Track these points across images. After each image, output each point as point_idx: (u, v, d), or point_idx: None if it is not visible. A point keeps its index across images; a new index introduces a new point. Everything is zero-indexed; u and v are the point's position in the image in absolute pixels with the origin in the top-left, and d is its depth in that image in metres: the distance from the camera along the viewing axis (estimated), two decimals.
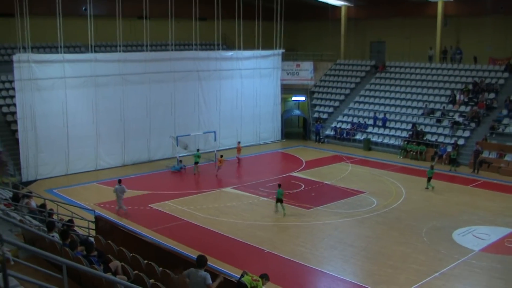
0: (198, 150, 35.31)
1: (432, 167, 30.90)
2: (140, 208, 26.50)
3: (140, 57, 37.45)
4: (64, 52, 34.56)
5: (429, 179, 30.49)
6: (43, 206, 18.90)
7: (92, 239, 15.85)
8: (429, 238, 22.59)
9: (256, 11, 41.78)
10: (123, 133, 36.19)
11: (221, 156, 34.48)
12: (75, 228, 18.77)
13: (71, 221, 18.45)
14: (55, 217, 19.35)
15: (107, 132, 35.45)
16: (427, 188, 30.32)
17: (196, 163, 34.05)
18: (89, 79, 34.42)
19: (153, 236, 22.18)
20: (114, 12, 34.61)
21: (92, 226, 19.22)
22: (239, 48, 42.39)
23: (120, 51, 37.02)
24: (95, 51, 37.03)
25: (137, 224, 23.97)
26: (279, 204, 25.96)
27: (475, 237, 22.82)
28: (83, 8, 38.39)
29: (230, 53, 42.91)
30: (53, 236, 13.39)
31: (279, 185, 26.71)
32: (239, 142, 39.32)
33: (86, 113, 34.46)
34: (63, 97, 33.31)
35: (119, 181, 26.00)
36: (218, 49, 42.79)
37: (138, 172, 34.46)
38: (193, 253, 20.30)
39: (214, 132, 38.80)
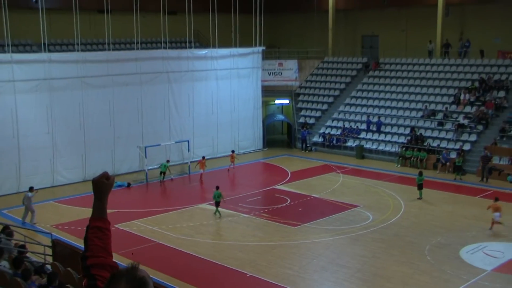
0: (168, 161, 36.06)
1: (421, 174, 31.26)
2: None
3: (101, 57, 37.21)
4: (12, 52, 34.15)
5: (419, 186, 30.78)
6: None
7: (49, 266, 15.59)
8: (433, 256, 22.61)
9: (233, 3, 41.81)
10: (83, 144, 35.86)
11: (233, 152, 39.13)
12: (28, 254, 18.47)
13: (23, 246, 18.16)
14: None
15: (64, 143, 35.09)
16: (420, 198, 30.58)
17: (163, 173, 35.16)
18: (42, 83, 34.07)
19: (121, 261, 21.78)
20: (70, 4, 34.40)
21: (49, 251, 18.94)
22: (213, 46, 42.33)
23: (78, 50, 36.71)
24: (49, 50, 36.65)
25: None
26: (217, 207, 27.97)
27: (486, 255, 22.89)
28: None
29: (203, 52, 42.85)
30: (3, 266, 13.13)
31: (217, 187, 28.45)
32: (233, 151, 40.05)
33: (39, 121, 34.08)
34: (12, 104, 32.88)
35: (31, 189, 26.99)
36: (190, 47, 42.69)
37: None
38: (166, 279, 20.13)
39: (188, 141, 38.67)
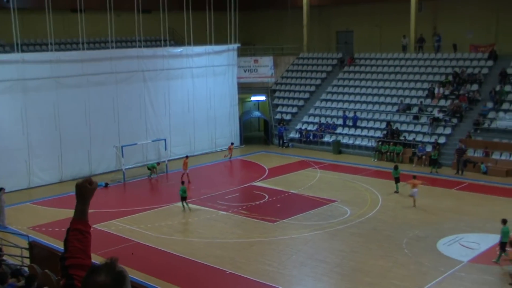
0: (158, 163, 37.33)
1: (396, 167, 31.55)
2: None
3: (75, 57, 36.90)
4: None
5: (397, 180, 31.04)
6: None
7: (26, 269, 15.46)
8: (411, 249, 22.79)
9: (207, 1, 41.69)
10: (59, 145, 35.55)
11: (232, 144, 41.52)
12: (5, 257, 18.30)
13: None
14: None
15: (40, 144, 34.76)
16: (397, 191, 30.83)
17: (152, 168, 36.32)
18: (16, 83, 33.69)
19: (100, 261, 21.77)
20: (42, 4, 34.04)
21: (26, 253, 18.77)
22: (189, 44, 42.22)
23: (51, 50, 36.37)
24: (22, 51, 36.26)
25: None
26: (184, 202, 28.88)
27: (462, 246, 23.12)
28: None
29: (179, 50, 42.77)
30: None
31: (182, 182, 29.79)
32: (232, 143, 42.48)
33: (14, 122, 33.72)
34: None
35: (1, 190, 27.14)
36: (165, 45, 42.51)
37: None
38: (146, 279, 20.06)
39: (164, 140, 38.55)
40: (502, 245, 21.08)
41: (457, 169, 35.26)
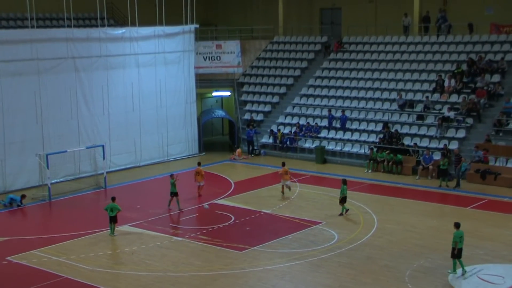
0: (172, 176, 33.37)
1: (344, 182, 31.19)
2: None
3: None
4: None
5: (343, 200, 30.87)
6: None
7: None
8: (416, 284, 22.77)
9: None
10: None
11: (238, 147, 44.83)
12: None
13: None
14: None
15: None
16: (341, 214, 30.82)
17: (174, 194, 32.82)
18: None
19: None
20: None
21: None
22: (132, 24, 42.01)
23: None
24: None
25: None
26: (112, 224, 28.82)
27: (482, 280, 23.13)
28: None
29: (120, 31, 42.50)
30: None
31: (113, 198, 29.32)
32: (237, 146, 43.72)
33: None
34: None
35: None
36: (103, 25, 42.25)
37: None
38: None
39: (102, 146, 38.18)
40: None
41: (457, 182, 35.49)
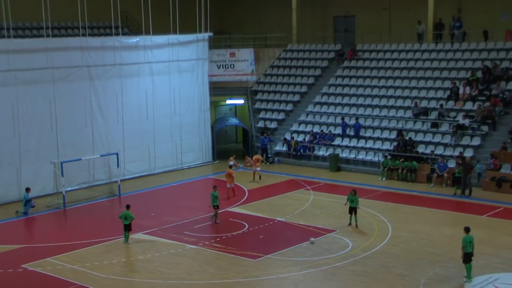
0: (214, 187, 32.54)
1: (354, 192, 30.64)
2: (8, 270, 25.65)
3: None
4: None
5: (352, 211, 30.39)
6: None
7: None
8: None
9: None
10: None
11: (256, 153, 43.64)
12: None
13: None
14: None
15: None
16: (350, 224, 30.50)
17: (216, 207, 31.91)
18: None
19: None
20: None
21: None
22: (147, 32, 42.08)
23: None
24: None
25: None
26: (126, 232, 28.78)
27: None
28: None
29: (134, 40, 42.59)
30: None
31: (127, 206, 29.22)
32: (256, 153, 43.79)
33: None
34: None
35: None
36: (117, 34, 42.37)
37: (5, 217, 33.62)
38: None
39: (117, 154, 38.26)
40: None
41: (462, 189, 35.33)
